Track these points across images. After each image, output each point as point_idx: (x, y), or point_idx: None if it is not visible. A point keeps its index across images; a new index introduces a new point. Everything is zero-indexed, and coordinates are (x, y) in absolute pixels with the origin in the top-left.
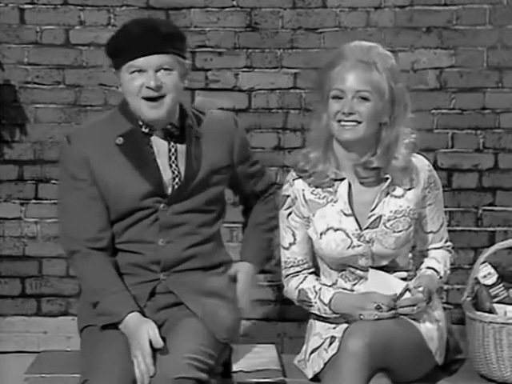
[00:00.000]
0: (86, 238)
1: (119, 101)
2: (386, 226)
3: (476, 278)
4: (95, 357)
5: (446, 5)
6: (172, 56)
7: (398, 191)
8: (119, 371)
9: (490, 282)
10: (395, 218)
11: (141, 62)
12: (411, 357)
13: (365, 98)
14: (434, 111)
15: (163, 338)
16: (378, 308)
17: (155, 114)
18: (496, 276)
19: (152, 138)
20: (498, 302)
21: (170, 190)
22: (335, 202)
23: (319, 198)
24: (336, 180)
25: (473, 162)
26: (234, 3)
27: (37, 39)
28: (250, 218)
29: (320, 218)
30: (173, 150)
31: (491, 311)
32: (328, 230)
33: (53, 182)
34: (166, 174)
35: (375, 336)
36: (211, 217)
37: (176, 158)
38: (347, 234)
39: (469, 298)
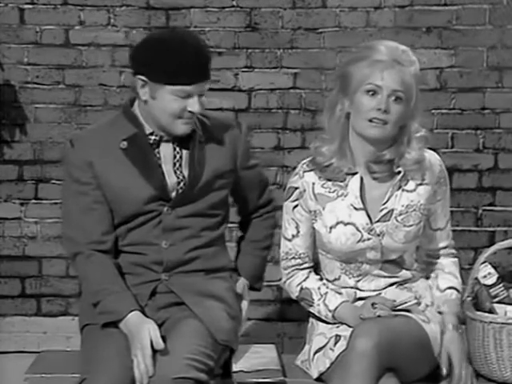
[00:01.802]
0: (89, 241)
1: (120, 102)
2: (397, 220)
3: (476, 278)
4: (95, 355)
5: (445, 5)
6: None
7: (410, 185)
8: (119, 369)
9: (490, 282)
10: (407, 212)
11: (192, 88)
12: (416, 355)
13: (399, 99)
14: (433, 111)
15: (163, 338)
16: (373, 304)
17: (187, 129)
18: (496, 276)
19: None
20: (498, 302)
21: (174, 194)
22: (345, 196)
23: (329, 192)
24: (348, 174)
25: (473, 162)
26: (234, 3)
27: (37, 39)
28: (248, 233)
29: (329, 211)
30: (178, 155)
31: (491, 311)
32: (338, 224)
33: (53, 181)
34: (171, 179)
35: (383, 335)
36: (215, 221)
37: (181, 164)
38: (357, 228)
39: (469, 298)
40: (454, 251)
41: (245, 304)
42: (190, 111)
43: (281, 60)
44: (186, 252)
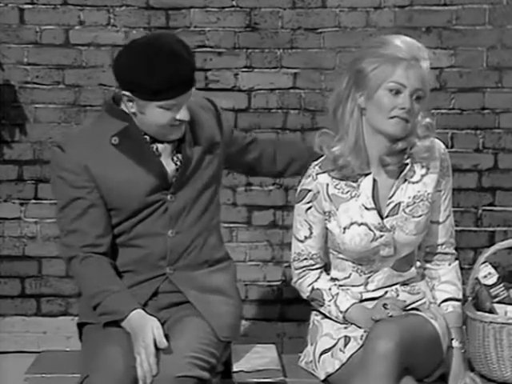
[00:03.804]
0: (83, 244)
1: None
2: (405, 212)
3: (476, 278)
4: (97, 353)
5: (445, 5)
6: None
7: (416, 176)
8: (122, 368)
9: (490, 282)
10: (414, 203)
11: (179, 99)
12: (429, 353)
13: (419, 97)
14: (433, 111)
15: (166, 336)
16: (384, 305)
17: (179, 134)
18: (496, 276)
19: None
20: (498, 302)
21: (174, 181)
22: (358, 196)
23: (342, 193)
24: (361, 175)
25: (472, 162)
26: (234, 3)
27: (36, 39)
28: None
29: (343, 212)
30: (175, 144)
31: (491, 311)
32: (352, 224)
33: None
34: (170, 167)
35: (402, 336)
36: (211, 202)
37: (178, 151)
38: (369, 228)
39: (469, 298)
40: (453, 251)
41: None
42: (178, 119)
43: (281, 60)
44: (191, 240)
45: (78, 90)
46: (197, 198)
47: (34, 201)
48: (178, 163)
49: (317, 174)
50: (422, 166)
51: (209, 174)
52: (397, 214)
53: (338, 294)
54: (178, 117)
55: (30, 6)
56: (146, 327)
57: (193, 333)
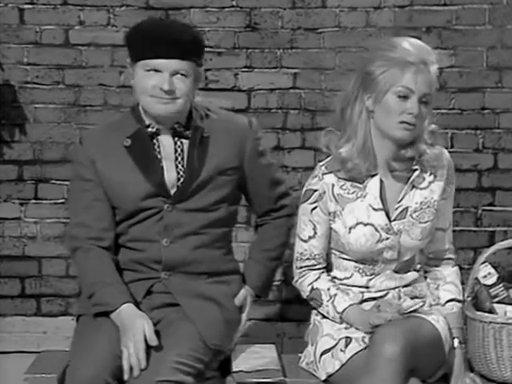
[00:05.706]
0: (88, 236)
1: (120, 102)
2: (412, 217)
3: (476, 278)
4: (84, 340)
5: (445, 5)
6: (190, 63)
7: (424, 183)
8: (108, 355)
9: (490, 282)
10: (421, 208)
11: (160, 63)
12: (432, 355)
13: (426, 102)
14: (433, 111)
15: (157, 334)
16: (378, 306)
17: (162, 110)
18: (496, 276)
19: (159, 137)
20: (498, 302)
21: (174, 190)
22: (364, 197)
23: (348, 193)
24: (367, 176)
25: (472, 162)
26: (234, 3)
27: (36, 39)
28: (259, 239)
29: (349, 212)
30: (179, 150)
31: (491, 311)
32: (358, 224)
33: (52, 181)
34: (171, 174)
35: (407, 339)
36: (217, 218)
37: (182, 159)
38: (376, 229)
39: (469, 298)
40: (454, 257)
41: (243, 316)
42: (160, 88)
43: (280, 60)
44: (188, 252)
45: (78, 90)
46: (200, 214)
47: (34, 201)
48: (181, 173)
49: (323, 174)
50: (430, 174)
51: (220, 196)
52: (404, 218)
53: (336, 294)
54: (159, 85)
55: (30, 6)
56: (137, 322)
57: (181, 337)
